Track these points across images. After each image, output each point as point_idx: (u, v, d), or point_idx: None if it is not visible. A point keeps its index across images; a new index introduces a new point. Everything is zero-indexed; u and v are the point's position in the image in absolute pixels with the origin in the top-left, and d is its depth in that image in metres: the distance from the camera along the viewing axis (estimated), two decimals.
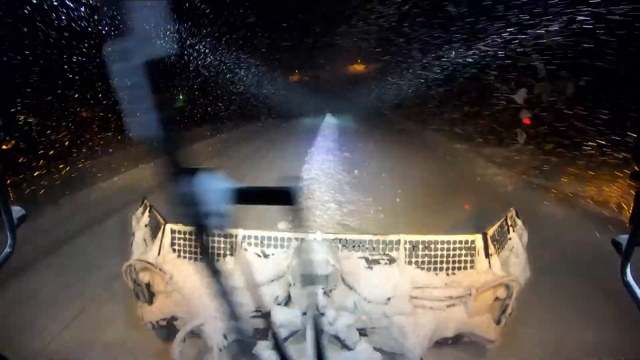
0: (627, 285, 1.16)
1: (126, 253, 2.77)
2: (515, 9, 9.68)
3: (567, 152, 8.12)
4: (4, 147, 1.82)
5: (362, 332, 2.42)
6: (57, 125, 7.54)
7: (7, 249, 1.34)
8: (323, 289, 2.13)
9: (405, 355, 2.37)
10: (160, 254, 2.65)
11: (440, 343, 2.56)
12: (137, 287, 2.59)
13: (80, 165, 7.13)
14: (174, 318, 2.62)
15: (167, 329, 2.70)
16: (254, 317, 2.45)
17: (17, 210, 1.43)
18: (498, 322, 2.47)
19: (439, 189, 6.79)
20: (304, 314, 1.98)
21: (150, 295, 2.66)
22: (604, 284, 3.05)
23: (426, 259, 2.61)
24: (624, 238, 1.18)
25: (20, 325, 3.15)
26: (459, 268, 2.61)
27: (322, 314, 1.99)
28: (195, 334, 2.40)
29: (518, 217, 2.82)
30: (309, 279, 2.16)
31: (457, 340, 2.60)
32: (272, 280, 2.51)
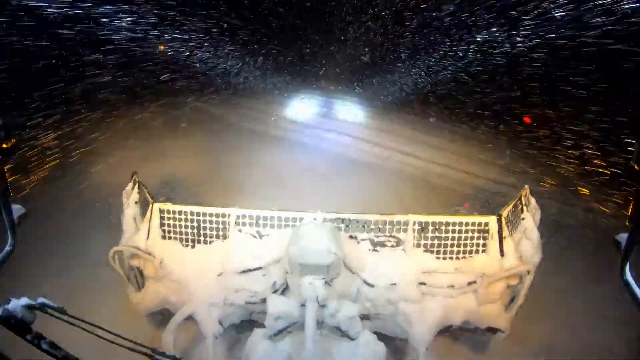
0: (626, 283, 1.20)
1: None
2: None
3: None
4: (4, 145, 1.89)
5: (365, 318, 2.47)
6: None
7: (8, 247, 1.45)
8: (324, 278, 2.09)
9: (410, 344, 2.45)
10: (149, 236, 2.68)
11: (448, 331, 2.64)
12: (127, 272, 2.65)
13: None
14: (166, 304, 2.68)
15: (160, 315, 2.77)
16: (250, 303, 2.52)
17: (17, 209, 1.53)
18: (509, 310, 2.53)
19: None
20: (303, 305, 1.97)
21: (140, 281, 2.74)
22: None
23: (436, 241, 2.63)
24: (623, 237, 1.21)
25: None
26: (471, 252, 2.64)
27: (323, 306, 1.97)
28: (190, 320, 2.47)
29: (531, 195, 2.77)
30: (308, 269, 2.12)
31: (464, 328, 2.66)
32: (269, 264, 2.53)
